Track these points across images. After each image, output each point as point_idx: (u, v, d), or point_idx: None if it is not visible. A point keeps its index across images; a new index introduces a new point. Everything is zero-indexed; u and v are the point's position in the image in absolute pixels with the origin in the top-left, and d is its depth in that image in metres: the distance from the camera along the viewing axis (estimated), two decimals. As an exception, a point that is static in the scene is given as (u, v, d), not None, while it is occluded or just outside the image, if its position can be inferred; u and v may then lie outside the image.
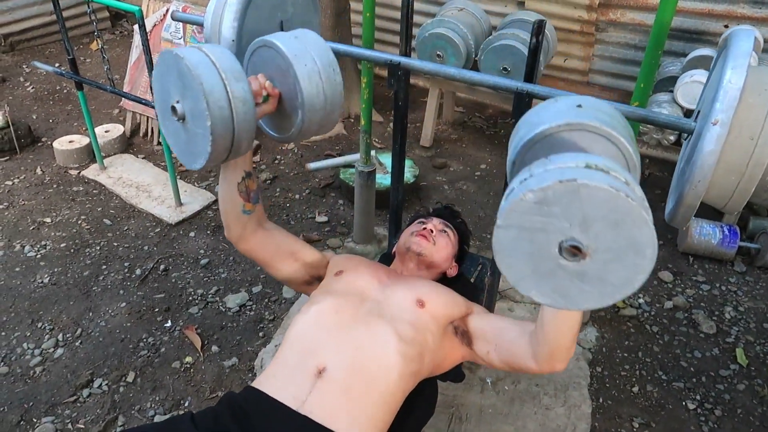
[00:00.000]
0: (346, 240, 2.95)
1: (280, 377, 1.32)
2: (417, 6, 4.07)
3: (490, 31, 3.48)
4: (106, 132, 3.65)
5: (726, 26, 3.18)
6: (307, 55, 1.31)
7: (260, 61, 1.40)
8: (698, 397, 2.18)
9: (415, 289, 1.48)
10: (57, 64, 4.75)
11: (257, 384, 1.33)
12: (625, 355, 2.35)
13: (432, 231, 1.67)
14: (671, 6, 1.76)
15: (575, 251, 0.91)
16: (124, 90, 3.67)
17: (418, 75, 4.47)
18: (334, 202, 3.26)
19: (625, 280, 0.92)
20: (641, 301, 2.62)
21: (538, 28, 1.56)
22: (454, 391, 2.16)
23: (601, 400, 2.16)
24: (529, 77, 1.62)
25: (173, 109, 1.25)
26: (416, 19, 3.97)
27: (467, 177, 3.56)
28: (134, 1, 3.06)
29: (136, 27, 3.28)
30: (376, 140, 3.89)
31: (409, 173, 3.26)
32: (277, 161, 3.63)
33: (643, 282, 0.93)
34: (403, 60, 1.72)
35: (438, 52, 3.31)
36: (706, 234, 2.84)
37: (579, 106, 1.10)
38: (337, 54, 1.87)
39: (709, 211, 3.14)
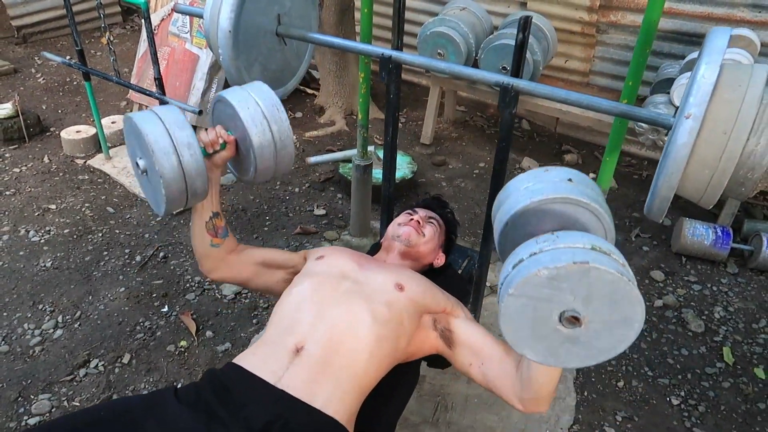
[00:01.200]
0: (343, 233, 3.00)
1: (260, 354, 1.37)
2: (420, 5, 4.12)
3: (491, 31, 3.52)
4: (112, 123, 3.73)
5: (725, 30, 3.19)
6: (250, 100, 1.48)
7: (219, 114, 1.57)
8: (683, 394, 2.20)
9: (396, 274, 1.52)
10: (68, 57, 4.83)
11: (238, 360, 1.37)
12: (613, 350, 2.38)
13: (419, 222, 1.71)
14: (659, 6, 1.79)
15: (574, 321, 1.03)
16: (131, 82, 3.74)
17: (421, 74, 4.51)
18: (333, 196, 3.31)
19: (610, 347, 1.05)
20: (631, 299, 2.65)
21: (525, 24, 1.60)
22: (441, 380, 2.20)
23: (585, 394, 2.19)
24: (516, 72, 1.66)
25: (137, 164, 1.43)
26: (419, 17, 4.02)
27: (466, 175, 3.60)
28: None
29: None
30: (377, 137, 3.93)
31: (407, 169, 3.31)
32: (278, 155, 3.69)
33: (623, 349, 1.06)
34: (394, 53, 1.76)
35: (439, 51, 3.35)
36: (699, 235, 2.86)
37: (569, 180, 1.22)
38: (330, 47, 1.92)
39: (703, 213, 3.16)
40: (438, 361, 1.68)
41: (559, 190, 1.19)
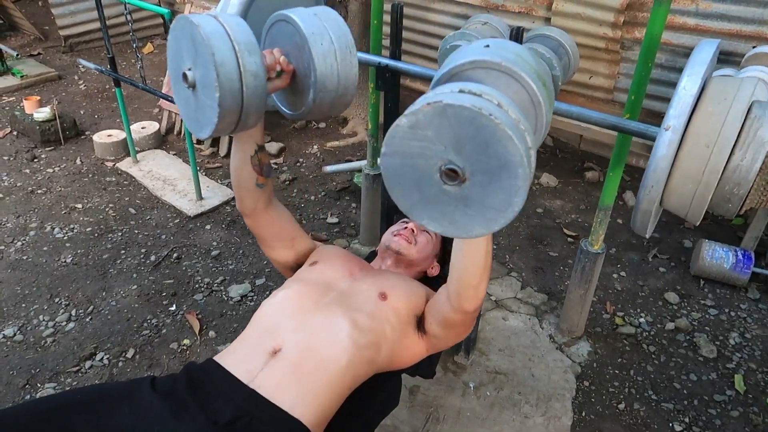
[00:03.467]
0: (353, 241, 3.03)
1: (239, 353, 1.40)
2: (444, 20, 4.15)
3: (513, 46, 3.51)
4: (142, 128, 3.87)
5: (754, 47, 3.10)
6: (325, 35, 1.29)
7: (278, 35, 1.38)
8: (687, 420, 2.12)
9: (381, 282, 1.53)
10: (108, 66, 5.06)
11: (218, 357, 1.41)
12: (617, 372, 2.32)
13: (413, 231, 1.72)
14: (661, 19, 1.77)
15: (453, 174, 0.95)
16: (163, 91, 3.88)
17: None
18: (347, 205, 3.34)
19: (504, 202, 0.95)
20: (642, 320, 2.57)
21: (516, 35, 1.61)
22: (435, 392, 2.18)
23: (583, 414, 2.13)
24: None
25: (184, 76, 1.24)
26: (442, 31, 4.04)
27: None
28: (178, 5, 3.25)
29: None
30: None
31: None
32: (298, 164, 3.76)
33: (520, 204, 0.94)
34: (391, 62, 1.79)
35: (458, 64, 3.36)
36: (718, 257, 2.76)
37: (486, 46, 1.13)
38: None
39: (727, 235, 3.06)
40: (418, 370, 1.67)
41: (468, 57, 1.10)
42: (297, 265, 1.69)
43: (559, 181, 3.62)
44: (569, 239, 3.12)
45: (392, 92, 1.86)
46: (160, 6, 5.92)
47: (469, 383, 2.22)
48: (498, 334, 2.46)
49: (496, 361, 2.32)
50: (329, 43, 1.28)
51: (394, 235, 1.71)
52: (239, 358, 1.37)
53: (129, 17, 2.93)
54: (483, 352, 2.36)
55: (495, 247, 3.03)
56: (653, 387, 2.25)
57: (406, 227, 1.74)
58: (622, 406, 2.17)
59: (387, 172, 1.02)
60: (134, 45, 3.01)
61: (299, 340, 1.36)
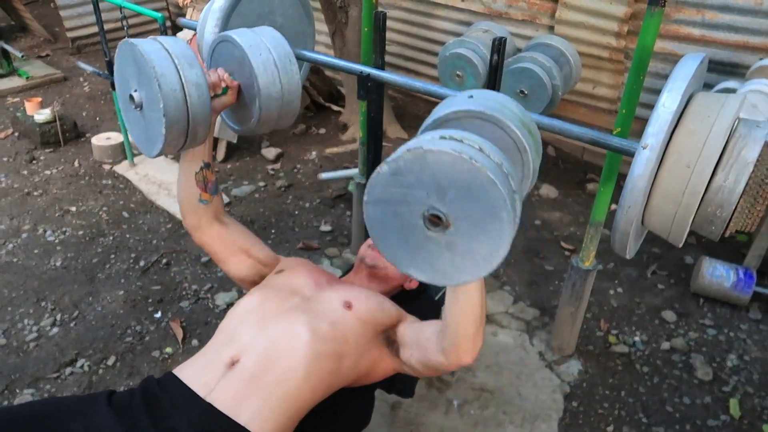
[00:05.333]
0: (345, 251, 2.98)
1: (198, 365, 1.36)
2: (447, 26, 4.10)
3: (514, 54, 3.45)
4: (141, 131, 3.86)
5: (761, 59, 3.01)
6: (262, 46, 1.36)
7: (220, 56, 1.45)
8: (678, 446, 2.05)
9: (348, 292, 1.49)
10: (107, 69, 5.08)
11: (177, 369, 1.37)
12: (607, 392, 2.24)
13: None
14: (653, 31, 1.71)
15: (436, 220, 0.94)
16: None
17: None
18: (342, 213, 3.30)
19: (491, 248, 0.94)
20: (636, 339, 2.50)
21: (499, 45, 1.56)
22: (417, 409, 2.13)
23: (570, 436, 2.07)
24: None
25: (131, 97, 1.29)
26: (445, 38, 3.99)
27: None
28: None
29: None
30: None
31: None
32: (295, 170, 3.73)
33: (506, 249, 0.93)
34: (373, 71, 1.75)
35: (458, 72, 3.31)
36: (718, 276, 2.68)
37: (470, 96, 1.13)
38: (312, 62, 1.92)
39: (730, 253, 2.97)
40: (395, 387, 1.62)
41: (452, 107, 1.10)
42: (261, 279, 1.64)
43: (559, 193, 3.55)
44: (566, 252, 3.05)
45: (375, 102, 1.82)
46: (168, 11, 5.97)
47: (454, 400, 2.17)
48: (486, 350, 2.39)
49: (483, 378, 2.26)
50: (267, 53, 1.36)
51: (370, 249, 1.66)
52: (197, 370, 1.34)
53: (125, 22, 2.92)
54: (469, 368, 2.30)
55: (489, 259, 2.97)
56: (644, 410, 2.18)
57: None
58: (610, 429, 2.10)
59: (370, 220, 1.00)
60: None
61: (258, 349, 1.32)
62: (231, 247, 1.61)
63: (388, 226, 0.99)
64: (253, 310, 1.42)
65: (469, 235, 0.94)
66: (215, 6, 1.81)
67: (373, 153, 1.94)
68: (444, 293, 2.01)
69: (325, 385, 1.36)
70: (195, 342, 2.40)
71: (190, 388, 1.29)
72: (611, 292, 2.77)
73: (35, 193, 3.37)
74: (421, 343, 1.36)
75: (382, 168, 0.95)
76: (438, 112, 1.13)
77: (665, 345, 2.47)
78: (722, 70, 3.18)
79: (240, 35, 1.37)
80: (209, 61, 1.55)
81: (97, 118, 4.35)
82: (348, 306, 1.43)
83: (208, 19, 1.80)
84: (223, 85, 1.39)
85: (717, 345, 2.48)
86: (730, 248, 3.05)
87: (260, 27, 1.47)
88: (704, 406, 2.20)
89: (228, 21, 1.80)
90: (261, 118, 1.43)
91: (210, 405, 1.25)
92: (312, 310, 1.41)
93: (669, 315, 2.62)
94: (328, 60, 1.86)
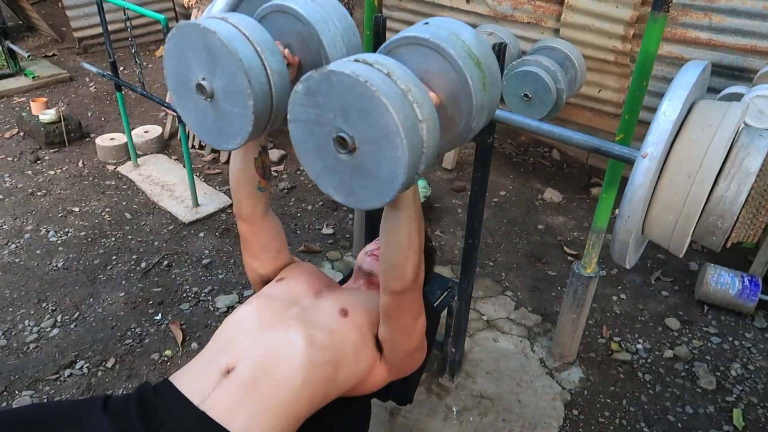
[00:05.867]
0: (346, 254, 2.97)
1: (194, 371, 1.35)
2: (454, 29, 4.08)
3: (519, 57, 3.43)
4: (145, 132, 3.87)
5: (769, 64, 2.98)
6: (329, 20, 1.22)
7: (273, 29, 1.26)
8: (679, 456, 2.02)
9: (344, 298, 1.48)
10: (121, 68, 5.09)
11: (174, 376, 1.36)
12: (608, 401, 2.22)
13: None
14: (656, 37, 1.68)
15: (343, 142, 0.96)
16: (167, 98, 3.87)
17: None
18: (344, 216, 3.29)
19: (390, 173, 0.95)
20: (639, 346, 2.47)
21: (499, 51, 1.53)
22: (416, 415, 2.11)
23: (570, 445, 2.04)
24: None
25: (200, 87, 1.15)
26: (450, 41, 3.97)
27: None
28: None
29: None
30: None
31: (420, 193, 3.24)
32: (299, 172, 3.72)
33: (404, 176, 0.94)
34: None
35: (462, 75, 3.29)
36: (723, 283, 2.64)
37: (426, 23, 1.10)
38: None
39: (736, 260, 2.93)
40: (392, 393, 1.61)
41: (403, 34, 1.08)
42: (271, 279, 1.64)
43: (563, 197, 3.52)
44: (570, 258, 3.02)
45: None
46: (174, 11, 5.98)
47: (453, 407, 2.15)
48: (487, 356, 2.37)
49: (483, 385, 2.24)
50: (335, 27, 1.22)
51: (368, 255, 1.65)
52: (193, 377, 1.33)
53: (129, 23, 2.92)
54: (469, 374, 2.28)
55: (491, 264, 2.95)
56: (646, 419, 2.15)
57: (379, 247, 1.68)
58: (611, 438, 2.08)
59: (294, 138, 1.03)
60: (133, 50, 3.00)
61: (254, 357, 1.31)
62: (270, 244, 1.58)
63: (308, 145, 1.02)
64: (251, 318, 1.41)
65: (372, 158, 0.95)
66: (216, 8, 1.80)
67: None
68: (441, 300, 2.00)
69: (321, 393, 1.34)
70: (194, 345, 2.39)
71: (184, 396, 1.28)
72: (614, 298, 2.75)
73: (39, 193, 3.38)
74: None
75: (297, 87, 0.97)
76: (391, 38, 1.11)
77: (668, 353, 2.44)
78: (729, 75, 3.14)
79: (304, 7, 1.20)
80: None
81: (102, 119, 4.36)
82: (344, 313, 1.42)
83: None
84: (285, 62, 1.21)
85: (721, 353, 2.45)
86: (736, 255, 3.02)
87: None
88: (707, 415, 2.17)
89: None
90: None
91: (203, 413, 1.24)
92: (308, 318, 1.40)
93: (672, 322, 2.60)
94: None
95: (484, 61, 1.08)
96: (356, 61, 0.96)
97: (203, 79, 1.13)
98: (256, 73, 1.08)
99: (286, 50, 1.23)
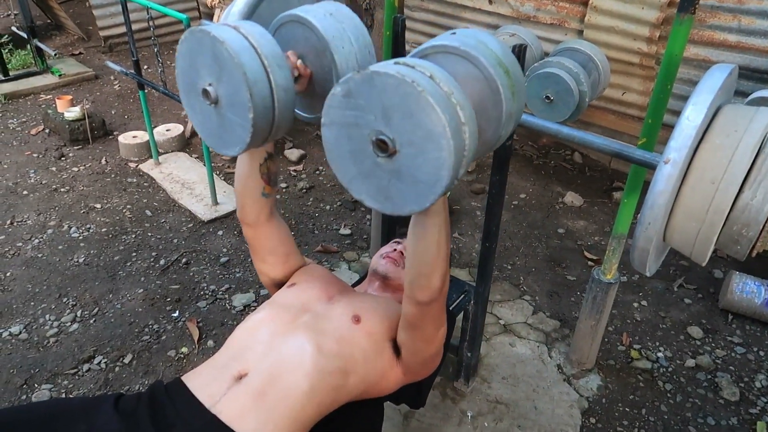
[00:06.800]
0: (363, 255, 2.96)
1: (206, 375, 1.35)
2: (475, 30, 4.05)
3: (541, 58, 3.39)
4: (167, 130, 3.91)
5: (800, 68, 2.90)
6: (345, 37, 1.22)
7: (290, 37, 1.27)
8: (700, 468, 1.97)
9: (357, 304, 1.46)
10: (145, 67, 5.16)
11: (186, 377, 1.36)
12: (627, 410, 2.17)
13: (402, 253, 1.65)
14: (682, 39, 1.64)
15: (383, 145, 0.94)
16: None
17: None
18: (362, 217, 3.28)
19: (432, 176, 0.93)
20: (660, 354, 2.42)
21: (518, 52, 1.51)
22: (430, 419, 2.09)
23: (586, 454, 2.01)
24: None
25: (205, 92, 1.16)
26: (472, 42, 3.94)
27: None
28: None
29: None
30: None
31: (439, 195, 3.22)
32: (317, 172, 3.72)
33: (448, 179, 0.92)
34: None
35: (483, 76, 3.26)
36: (749, 291, 2.58)
37: (453, 33, 1.09)
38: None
39: (763, 267, 2.86)
40: (404, 397, 1.60)
41: (431, 43, 1.08)
42: (284, 282, 1.64)
43: (584, 201, 3.47)
44: (590, 263, 2.97)
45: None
46: (198, 11, 6.04)
47: (467, 412, 2.13)
48: (503, 361, 2.35)
49: (498, 390, 2.22)
50: (350, 45, 1.22)
51: (383, 258, 1.64)
52: (205, 381, 1.33)
53: (151, 22, 2.95)
54: (485, 379, 2.26)
55: (510, 267, 2.92)
56: (666, 429, 2.10)
57: (395, 249, 1.67)
58: (629, 448, 2.04)
59: (326, 143, 1.01)
60: (155, 50, 3.03)
61: (265, 365, 1.31)
62: (278, 248, 1.58)
63: (343, 149, 1.00)
64: (264, 326, 1.41)
65: (413, 163, 0.94)
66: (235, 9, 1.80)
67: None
68: (457, 304, 1.98)
69: (330, 400, 1.33)
70: (210, 343, 2.41)
71: (196, 398, 1.28)
72: (635, 305, 2.70)
73: (62, 190, 3.44)
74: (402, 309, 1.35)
75: (336, 89, 0.95)
76: (418, 48, 1.11)
77: (690, 362, 2.38)
78: (759, 78, 3.06)
79: (320, 21, 1.20)
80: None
81: (126, 117, 4.42)
82: (356, 320, 1.41)
83: (228, 17, 1.79)
84: (296, 73, 1.24)
85: (745, 364, 2.39)
86: (763, 263, 2.94)
87: (336, 6, 1.27)
88: (729, 427, 2.12)
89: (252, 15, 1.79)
90: None
91: (214, 416, 1.24)
92: (319, 326, 1.39)
93: (695, 331, 2.54)
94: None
95: (512, 70, 1.08)
96: (397, 63, 0.94)
97: (210, 85, 1.14)
98: (260, 87, 1.08)
99: (299, 61, 1.23)
